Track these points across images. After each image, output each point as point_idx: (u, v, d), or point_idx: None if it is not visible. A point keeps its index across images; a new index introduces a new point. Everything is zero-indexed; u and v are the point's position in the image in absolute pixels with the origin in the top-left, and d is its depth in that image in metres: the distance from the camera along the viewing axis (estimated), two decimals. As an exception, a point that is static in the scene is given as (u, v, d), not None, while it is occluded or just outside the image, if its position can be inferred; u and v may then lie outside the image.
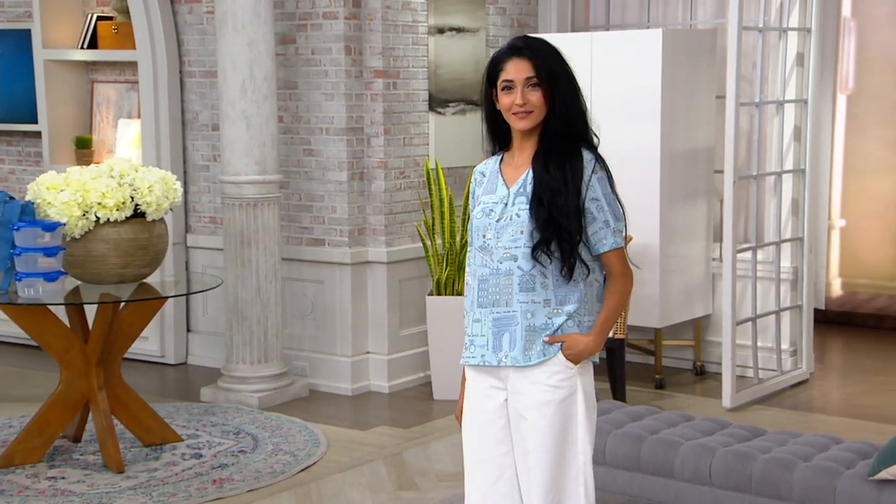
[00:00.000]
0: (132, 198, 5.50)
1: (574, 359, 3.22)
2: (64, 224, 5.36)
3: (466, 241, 6.43)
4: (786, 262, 7.00)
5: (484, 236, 3.24)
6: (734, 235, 6.41)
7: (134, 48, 7.42)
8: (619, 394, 6.26)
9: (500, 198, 3.25)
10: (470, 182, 3.44)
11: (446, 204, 6.64)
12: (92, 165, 5.94)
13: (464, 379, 3.38)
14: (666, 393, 6.78)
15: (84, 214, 5.41)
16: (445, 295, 6.68)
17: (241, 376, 6.63)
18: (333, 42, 6.73)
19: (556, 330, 3.21)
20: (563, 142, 3.20)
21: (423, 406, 6.61)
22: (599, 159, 3.23)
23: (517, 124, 3.22)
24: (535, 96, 3.19)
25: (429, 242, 6.72)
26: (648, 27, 7.44)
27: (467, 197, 6.62)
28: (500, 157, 3.33)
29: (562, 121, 3.19)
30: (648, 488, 4.32)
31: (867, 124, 8.87)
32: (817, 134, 7.06)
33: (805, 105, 6.91)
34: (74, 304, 5.56)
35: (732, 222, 6.39)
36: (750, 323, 6.71)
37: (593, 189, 3.19)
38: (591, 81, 6.25)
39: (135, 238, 5.51)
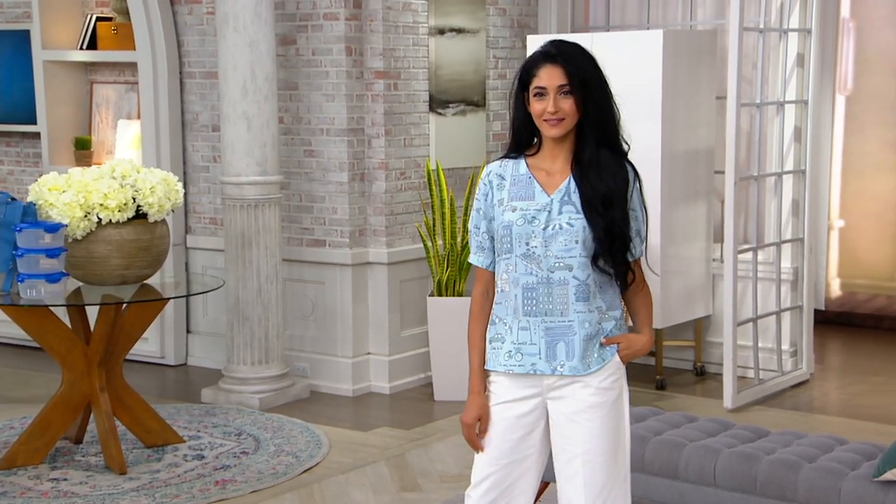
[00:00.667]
0: (134, 199, 5.50)
1: (629, 358, 3.26)
2: (66, 225, 5.36)
3: (467, 243, 6.43)
4: (786, 263, 7.01)
5: (528, 244, 3.18)
6: (735, 236, 6.42)
7: (133, 49, 7.41)
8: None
9: (543, 205, 3.19)
10: (474, 183, 3.43)
11: (447, 205, 6.63)
12: (92, 166, 5.93)
13: (475, 382, 3.29)
14: (667, 394, 6.78)
15: (86, 216, 5.41)
16: (446, 296, 6.68)
17: (242, 377, 6.63)
18: (334, 43, 6.74)
19: (608, 335, 3.23)
20: (601, 149, 3.19)
21: (425, 407, 6.61)
22: (634, 168, 3.26)
23: (549, 132, 3.19)
24: (568, 104, 3.17)
25: (430, 243, 6.72)
26: (648, 28, 7.45)
27: (468, 198, 6.65)
28: (521, 161, 3.27)
29: (595, 128, 3.18)
30: (653, 489, 4.32)
31: (866, 125, 8.87)
32: (817, 135, 7.07)
33: (805, 106, 6.92)
34: (76, 306, 5.55)
35: (733, 223, 6.39)
36: (750, 323, 6.72)
37: (634, 199, 3.24)
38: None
39: (136, 239, 5.51)
